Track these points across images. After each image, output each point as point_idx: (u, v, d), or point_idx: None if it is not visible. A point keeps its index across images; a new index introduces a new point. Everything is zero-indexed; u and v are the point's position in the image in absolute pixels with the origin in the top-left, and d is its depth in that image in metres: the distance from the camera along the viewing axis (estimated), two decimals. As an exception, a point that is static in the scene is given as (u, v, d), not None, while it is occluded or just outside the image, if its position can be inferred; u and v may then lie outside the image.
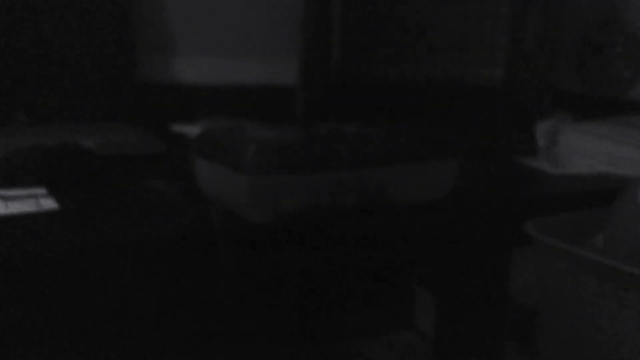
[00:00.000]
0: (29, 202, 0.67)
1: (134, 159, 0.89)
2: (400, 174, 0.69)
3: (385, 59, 1.26)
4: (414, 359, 0.97)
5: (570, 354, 0.63)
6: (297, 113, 1.19)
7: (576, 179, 0.92)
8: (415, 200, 0.71)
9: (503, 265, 0.88)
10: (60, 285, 0.55)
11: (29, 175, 0.74)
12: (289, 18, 1.23)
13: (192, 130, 0.99)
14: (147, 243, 0.60)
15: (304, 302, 0.89)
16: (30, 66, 1.06)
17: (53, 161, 0.76)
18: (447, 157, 0.71)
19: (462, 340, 0.93)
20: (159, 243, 0.60)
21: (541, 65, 1.28)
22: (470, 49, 1.27)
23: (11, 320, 0.54)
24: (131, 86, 1.13)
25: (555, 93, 1.25)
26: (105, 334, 0.61)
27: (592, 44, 1.29)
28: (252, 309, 0.81)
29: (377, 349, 0.98)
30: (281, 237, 0.65)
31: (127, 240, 0.59)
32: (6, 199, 0.68)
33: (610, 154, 0.93)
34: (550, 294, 0.66)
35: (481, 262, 0.86)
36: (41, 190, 0.71)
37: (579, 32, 1.32)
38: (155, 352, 0.70)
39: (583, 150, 0.96)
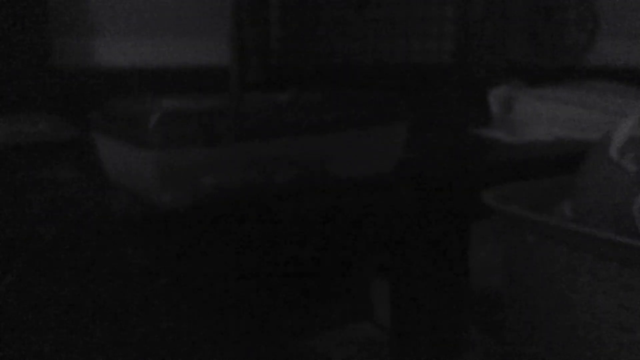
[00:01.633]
0: None
1: (43, 149, 0.81)
2: (343, 143, 0.60)
3: (328, 37, 1.20)
4: (373, 353, 0.90)
5: (541, 337, 0.56)
6: (232, 96, 1.11)
7: (534, 146, 0.87)
8: (360, 174, 0.62)
9: (461, 244, 0.81)
10: None
11: None
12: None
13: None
14: (37, 238, 0.50)
15: (239, 300, 0.80)
16: None
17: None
18: (394, 121, 0.63)
19: (420, 330, 0.86)
20: (50, 237, 0.50)
21: (491, 34, 1.23)
22: (417, 23, 1.22)
23: None
24: (47, 72, 1.05)
25: (508, 63, 1.20)
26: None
27: (543, 10, 1.24)
28: (171, 309, 0.72)
29: (333, 345, 0.90)
30: (201, 225, 0.55)
31: (13, 237, 0.49)
32: None
33: (571, 119, 0.88)
34: (516, 271, 0.58)
35: (436, 242, 0.79)
36: None
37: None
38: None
39: (541, 116, 0.90)
